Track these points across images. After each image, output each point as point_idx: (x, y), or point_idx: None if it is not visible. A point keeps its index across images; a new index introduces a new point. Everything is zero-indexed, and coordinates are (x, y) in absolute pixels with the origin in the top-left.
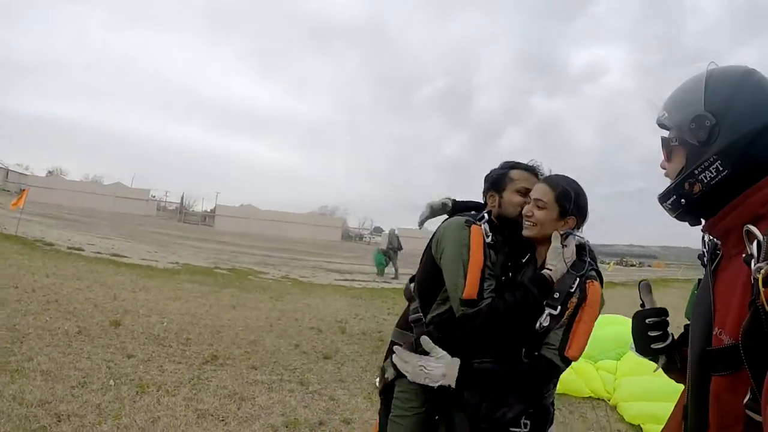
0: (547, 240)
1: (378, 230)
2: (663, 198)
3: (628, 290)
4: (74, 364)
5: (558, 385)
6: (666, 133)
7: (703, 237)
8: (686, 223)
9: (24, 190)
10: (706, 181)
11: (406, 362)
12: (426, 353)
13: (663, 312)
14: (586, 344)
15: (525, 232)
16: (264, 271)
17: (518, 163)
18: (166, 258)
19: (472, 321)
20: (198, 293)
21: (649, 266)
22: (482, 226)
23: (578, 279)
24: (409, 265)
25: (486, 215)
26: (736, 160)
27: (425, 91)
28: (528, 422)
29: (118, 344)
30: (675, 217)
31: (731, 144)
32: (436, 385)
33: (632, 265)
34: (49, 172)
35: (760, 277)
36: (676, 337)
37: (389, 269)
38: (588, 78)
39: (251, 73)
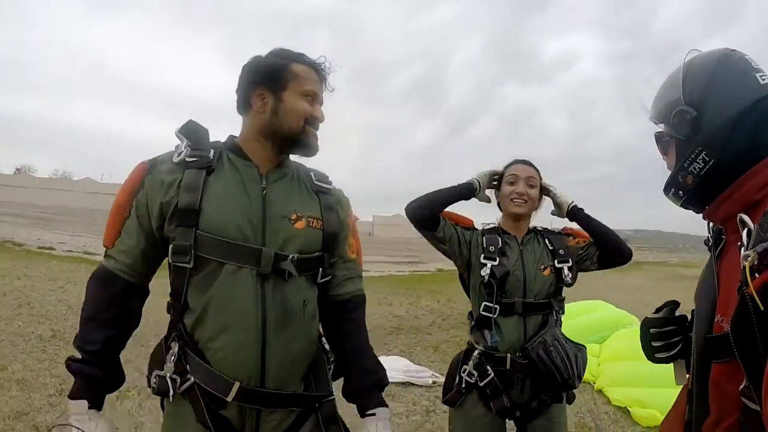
0: (528, 217)
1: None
2: (665, 190)
3: (603, 273)
4: (50, 371)
5: None
6: (659, 129)
7: (708, 222)
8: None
9: None
10: (695, 172)
11: None
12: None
13: (670, 321)
14: None
15: (518, 210)
16: None
17: (297, 53)
18: None
19: None
20: None
21: None
22: (176, 153)
23: None
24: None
25: (182, 134)
26: (719, 149)
27: (399, 81)
28: None
29: None
30: (680, 206)
31: (713, 133)
32: None
33: None
34: (17, 169)
35: (747, 264)
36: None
37: None
38: (561, 67)
39: (224, 65)
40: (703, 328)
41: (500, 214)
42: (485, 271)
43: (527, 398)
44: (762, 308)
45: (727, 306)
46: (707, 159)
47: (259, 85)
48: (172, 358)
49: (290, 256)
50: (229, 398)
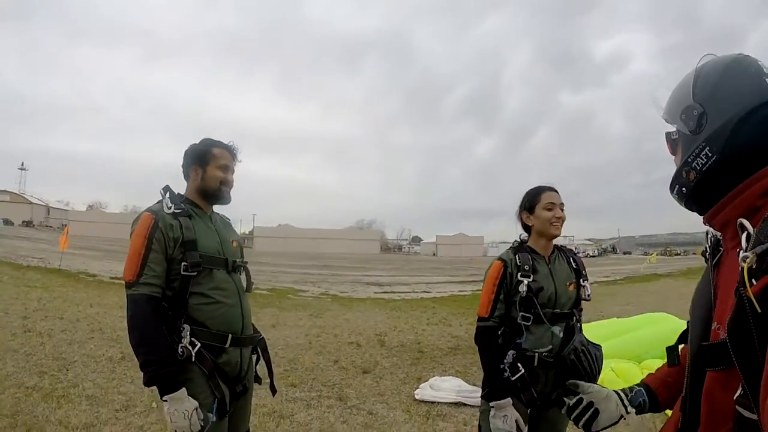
0: None
1: (416, 240)
2: (670, 188)
3: (673, 281)
4: (118, 388)
5: None
6: (670, 128)
7: (706, 233)
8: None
9: (66, 226)
10: (698, 168)
11: None
12: None
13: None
14: None
15: (558, 232)
16: (303, 289)
17: (217, 141)
18: None
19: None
20: None
21: (694, 254)
22: (164, 203)
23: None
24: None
25: (164, 193)
26: (723, 145)
27: (453, 99)
28: None
29: None
30: (684, 206)
31: (717, 130)
32: None
33: (677, 254)
34: (89, 206)
35: (745, 266)
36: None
37: None
38: (614, 67)
39: (281, 97)
40: (697, 336)
41: (520, 231)
42: (523, 288)
43: (548, 390)
44: (759, 311)
45: (724, 313)
46: (710, 155)
47: (193, 163)
48: (187, 333)
49: (238, 260)
50: (227, 345)
